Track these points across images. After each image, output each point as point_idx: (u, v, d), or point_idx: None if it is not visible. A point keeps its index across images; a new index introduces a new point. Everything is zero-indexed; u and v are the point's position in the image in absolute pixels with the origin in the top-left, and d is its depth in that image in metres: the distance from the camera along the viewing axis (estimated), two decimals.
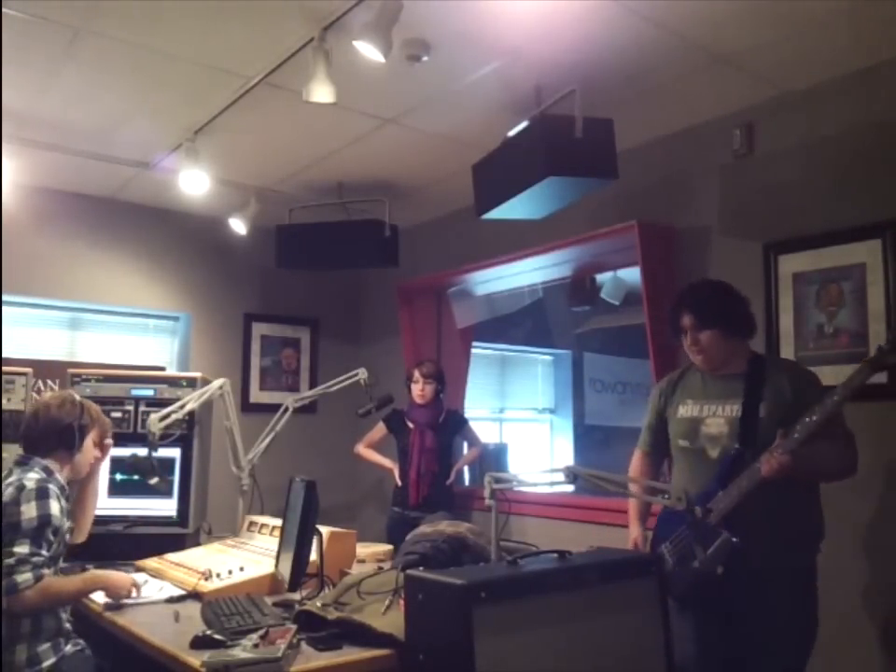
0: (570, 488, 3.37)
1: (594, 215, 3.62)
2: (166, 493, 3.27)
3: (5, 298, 4.00)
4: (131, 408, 3.45)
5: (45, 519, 2.20)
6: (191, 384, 3.52)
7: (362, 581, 2.18)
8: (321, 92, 2.61)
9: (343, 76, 2.64)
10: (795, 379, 2.33)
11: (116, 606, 2.30)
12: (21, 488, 2.22)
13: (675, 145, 3.49)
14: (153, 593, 2.46)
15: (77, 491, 2.58)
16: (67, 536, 2.38)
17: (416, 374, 4.12)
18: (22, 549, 2.13)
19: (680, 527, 2.33)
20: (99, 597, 2.35)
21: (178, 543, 3.16)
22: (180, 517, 3.35)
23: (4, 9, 2.50)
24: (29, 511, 2.18)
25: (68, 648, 2.24)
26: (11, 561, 2.11)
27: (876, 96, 2.83)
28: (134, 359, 4.64)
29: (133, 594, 2.36)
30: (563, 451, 7.29)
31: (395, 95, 3.16)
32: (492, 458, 5.88)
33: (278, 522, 2.77)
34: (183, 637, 1.95)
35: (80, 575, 2.39)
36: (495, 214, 3.22)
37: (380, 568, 2.38)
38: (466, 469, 4.51)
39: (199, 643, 1.89)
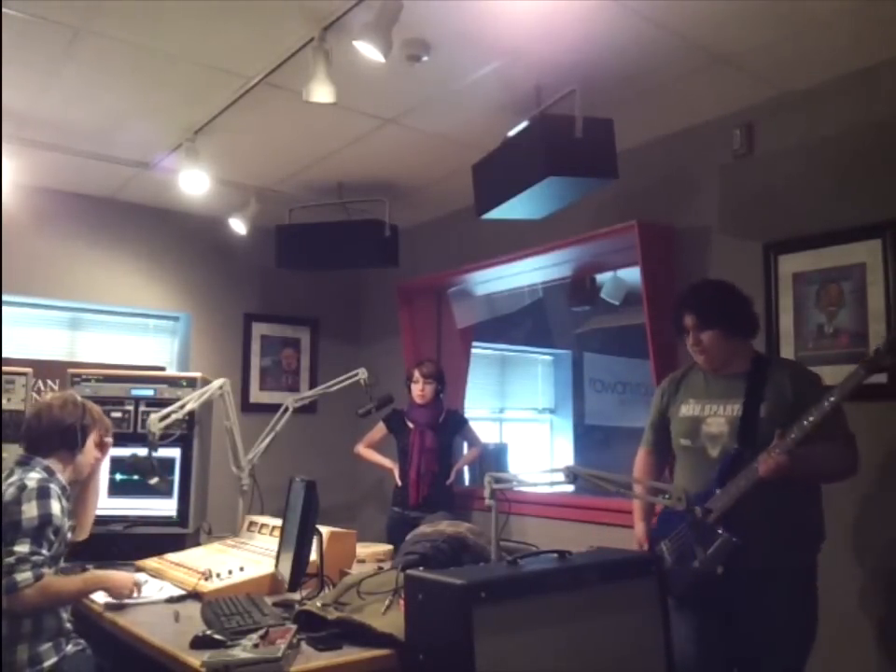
0: (570, 488, 3.37)
1: (594, 215, 3.62)
2: (166, 493, 3.27)
3: (5, 298, 4.00)
4: (131, 408, 3.45)
5: (46, 518, 2.20)
6: (191, 384, 3.52)
7: (362, 580, 2.18)
8: (321, 92, 2.61)
9: (342, 76, 2.64)
10: (797, 379, 2.33)
11: (117, 606, 2.30)
12: (22, 488, 2.22)
13: (675, 145, 3.49)
14: (153, 593, 2.46)
15: (79, 489, 2.59)
16: (69, 534, 2.39)
17: (416, 374, 4.12)
18: (23, 548, 2.13)
19: (680, 525, 2.34)
20: (99, 597, 2.35)
21: (178, 543, 3.16)
22: (180, 517, 3.35)
23: (4, 9, 2.50)
24: (30, 510, 2.18)
25: (69, 648, 2.25)
26: (11, 560, 2.11)
27: (876, 96, 2.83)
28: (134, 359, 4.64)
29: (135, 593, 2.36)
30: (563, 451, 7.29)
31: (395, 95, 3.16)
32: (492, 458, 5.88)
33: (278, 522, 2.77)
34: (183, 636, 1.95)
35: (81, 575, 2.39)
36: (495, 214, 3.22)
37: (380, 568, 2.38)
38: (466, 469, 4.51)
39: (199, 643, 1.90)
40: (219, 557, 2.81)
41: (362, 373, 3.61)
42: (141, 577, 2.56)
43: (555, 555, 1.92)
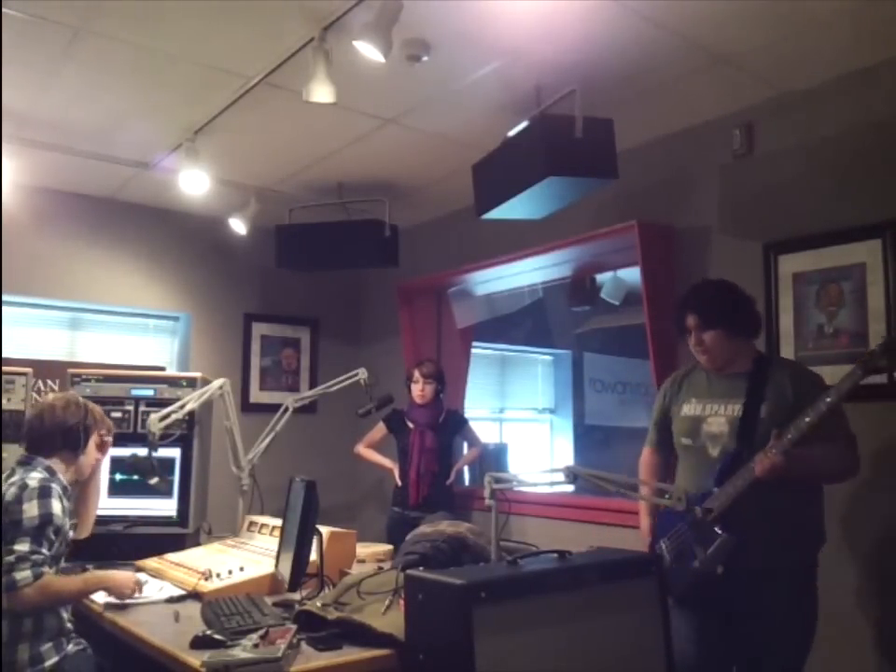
0: (570, 488, 3.37)
1: (594, 215, 3.62)
2: (166, 493, 3.27)
3: (5, 298, 4.00)
4: (131, 408, 3.45)
5: (46, 518, 2.20)
6: (191, 384, 3.52)
7: (362, 580, 2.18)
8: (321, 92, 2.61)
9: (342, 76, 2.64)
10: (798, 380, 2.33)
11: (118, 606, 2.30)
12: (23, 487, 2.23)
13: (675, 145, 3.49)
14: (153, 593, 2.46)
15: (80, 488, 2.59)
16: (71, 533, 2.39)
17: (416, 374, 4.12)
18: (23, 546, 2.14)
19: (679, 524, 2.34)
20: (99, 597, 2.35)
21: (178, 543, 3.16)
22: (180, 517, 3.35)
23: (4, 9, 2.50)
24: (31, 509, 2.19)
25: (70, 647, 2.25)
26: (11, 558, 2.11)
27: (876, 96, 2.83)
28: (134, 359, 4.64)
29: (137, 593, 2.36)
30: (563, 451, 7.29)
31: (395, 95, 3.16)
32: (492, 458, 5.88)
33: (278, 522, 2.78)
34: (183, 636, 1.95)
35: (82, 575, 2.39)
36: (495, 214, 3.22)
37: (380, 568, 2.38)
38: (466, 468, 4.51)
39: (199, 643, 1.90)
40: (219, 557, 2.81)
41: (362, 373, 3.61)
42: (141, 577, 2.56)
43: (555, 555, 1.92)
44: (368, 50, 2.42)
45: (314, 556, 2.41)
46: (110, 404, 3.28)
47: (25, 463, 2.36)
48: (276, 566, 2.52)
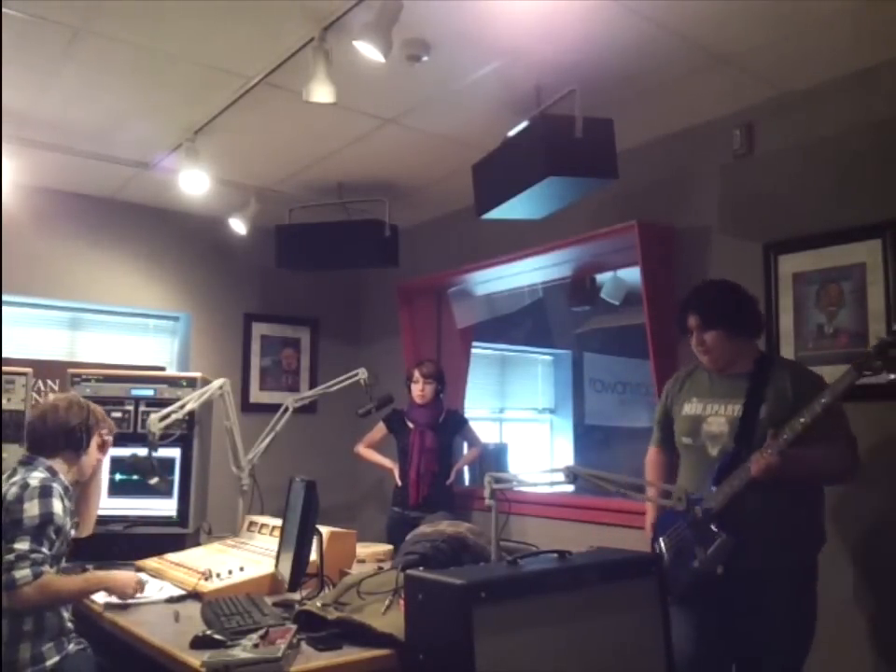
0: (570, 488, 3.37)
1: (594, 215, 3.62)
2: (166, 493, 3.27)
3: (5, 298, 4.00)
4: (131, 408, 3.45)
5: (47, 517, 2.21)
6: (191, 384, 3.53)
7: (362, 580, 2.18)
8: (321, 92, 2.61)
9: (342, 76, 2.64)
10: (798, 381, 2.33)
11: (118, 605, 2.30)
12: (24, 486, 2.23)
13: (675, 145, 3.49)
14: (153, 593, 2.46)
15: (81, 487, 2.59)
16: (72, 532, 2.39)
17: (416, 374, 4.12)
18: (23, 545, 2.14)
19: (678, 522, 2.34)
20: (99, 597, 2.35)
21: (178, 543, 3.16)
22: (180, 517, 3.35)
23: (4, 9, 2.50)
24: (32, 508, 2.19)
25: (71, 647, 2.25)
26: (11, 557, 2.11)
27: (876, 96, 2.83)
28: (134, 359, 4.64)
29: (138, 593, 2.36)
30: (563, 451, 7.29)
31: (395, 95, 3.16)
32: (492, 458, 5.88)
33: (278, 522, 2.78)
34: (183, 636, 1.95)
35: (83, 575, 2.40)
36: (495, 214, 3.22)
37: (380, 568, 2.38)
38: (466, 468, 4.51)
39: (199, 643, 1.90)
40: (219, 557, 2.81)
41: (362, 373, 3.61)
42: (141, 577, 2.56)
43: (555, 555, 1.93)
44: (368, 50, 2.42)
45: (314, 556, 2.41)
46: (110, 404, 3.27)
47: (27, 463, 2.36)
48: (276, 566, 2.52)
